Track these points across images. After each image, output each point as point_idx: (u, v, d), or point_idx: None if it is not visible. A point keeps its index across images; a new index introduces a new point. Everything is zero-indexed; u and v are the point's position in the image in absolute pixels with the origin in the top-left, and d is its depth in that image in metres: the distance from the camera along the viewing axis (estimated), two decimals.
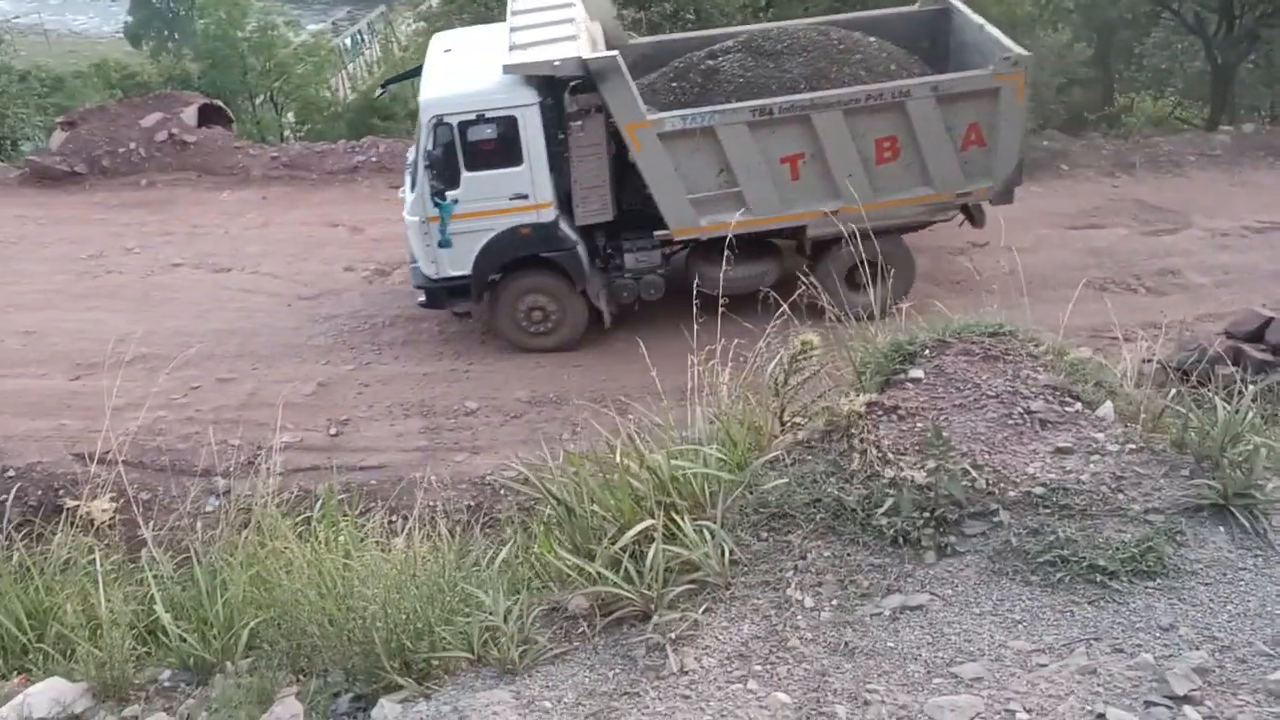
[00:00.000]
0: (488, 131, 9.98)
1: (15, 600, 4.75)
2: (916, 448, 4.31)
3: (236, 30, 20.67)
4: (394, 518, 6.77)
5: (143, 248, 13.57)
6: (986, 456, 4.25)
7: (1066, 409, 4.49)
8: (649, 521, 3.97)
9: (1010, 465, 4.22)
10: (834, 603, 3.90)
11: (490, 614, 3.80)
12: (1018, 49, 10.27)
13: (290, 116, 22.07)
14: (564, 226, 10.43)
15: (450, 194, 10.12)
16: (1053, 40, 17.50)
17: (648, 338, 10.74)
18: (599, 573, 3.92)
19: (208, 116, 16.15)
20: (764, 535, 4.18)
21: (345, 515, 5.39)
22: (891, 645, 3.70)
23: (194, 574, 4.81)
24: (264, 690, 4.13)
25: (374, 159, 14.33)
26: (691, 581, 3.92)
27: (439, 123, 9.96)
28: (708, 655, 3.73)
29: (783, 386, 4.82)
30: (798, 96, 10.09)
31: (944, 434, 4.26)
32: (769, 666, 3.67)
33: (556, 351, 11.01)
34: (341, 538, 4.72)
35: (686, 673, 3.66)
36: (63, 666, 4.46)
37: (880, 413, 4.53)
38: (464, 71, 10.45)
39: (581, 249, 10.56)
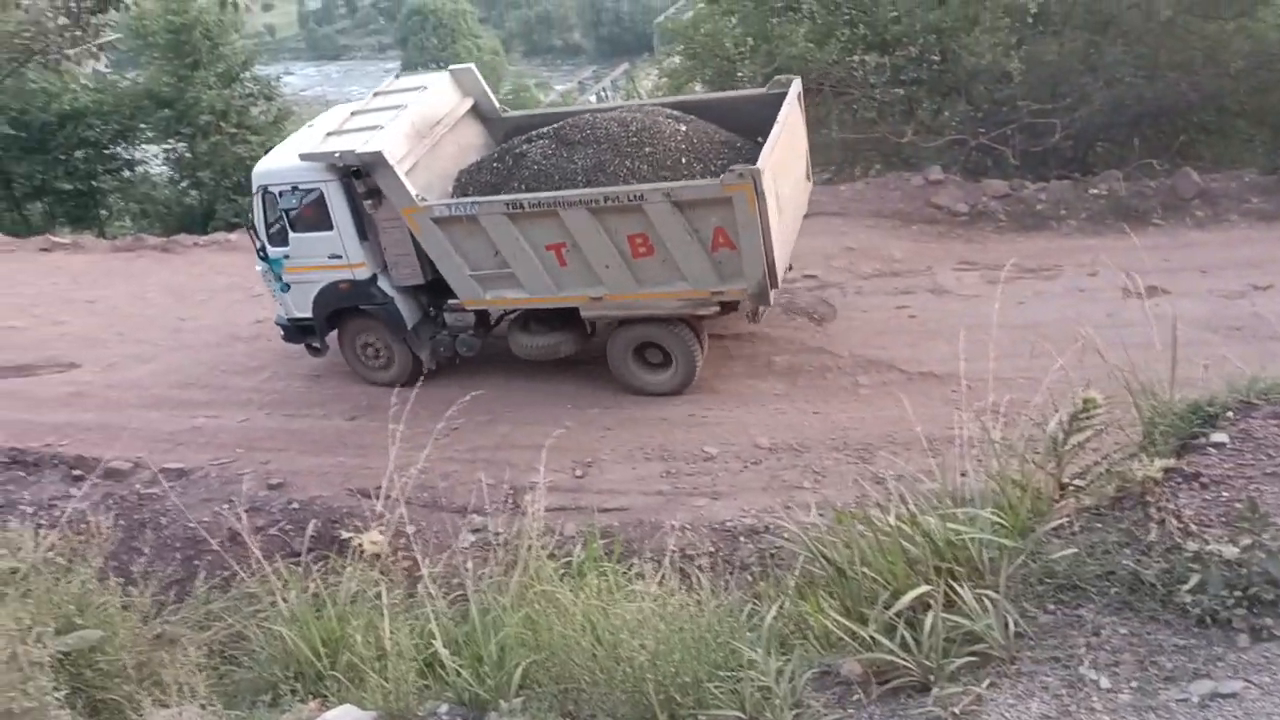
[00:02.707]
0: (302, 200, 11.42)
1: (313, 629, 5.12)
2: (1224, 520, 3.94)
3: (495, 94, 22.00)
4: (636, 559, 6.88)
5: None
6: None
7: None
8: (926, 588, 3.82)
9: None
10: (1133, 684, 3.60)
11: (761, 673, 3.76)
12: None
13: None
14: (381, 284, 11.66)
15: (281, 250, 11.67)
16: None
17: (895, 383, 10.69)
18: (873, 638, 3.79)
19: None
20: (1051, 608, 3.93)
21: (605, 561, 5.50)
22: None
23: (468, 612, 5.04)
24: None
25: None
26: (973, 653, 3.73)
27: (264, 191, 11.57)
28: None
29: (1061, 446, 4.54)
30: (545, 194, 10.53)
31: (1258, 506, 3.86)
32: None
33: (389, 386, 11.40)
34: (604, 583, 4.81)
35: None
36: (353, 694, 4.75)
37: (1179, 480, 4.17)
38: (294, 147, 11.86)
39: (399, 304, 11.68)
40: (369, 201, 11.16)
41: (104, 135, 24.20)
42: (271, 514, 10.17)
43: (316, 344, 12.42)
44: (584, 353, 11.91)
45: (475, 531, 9.51)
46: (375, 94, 12.69)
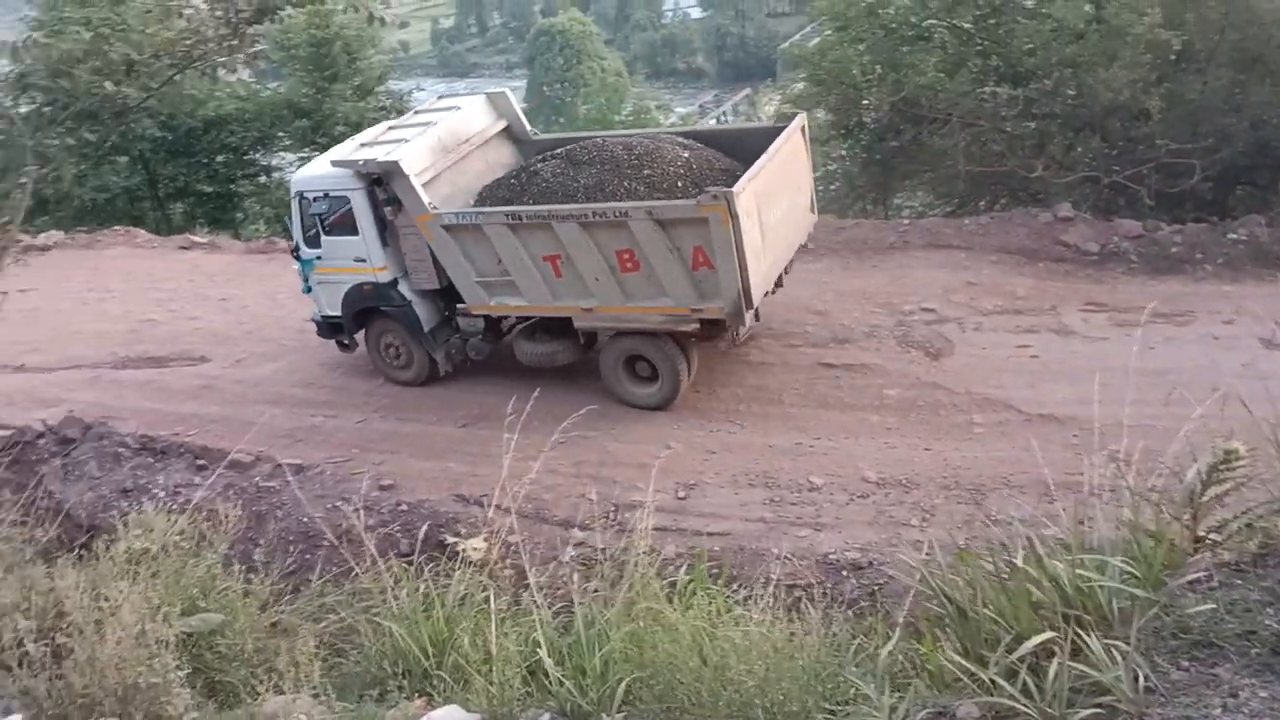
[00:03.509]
0: (332, 206, 12.20)
1: (422, 628, 5.21)
2: None
3: (615, 115, 22.31)
4: (738, 585, 6.81)
5: None
6: None
7: None
8: (1051, 634, 3.67)
9: None
10: None
11: (874, 709, 3.67)
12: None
13: None
14: (401, 287, 12.38)
15: (314, 251, 12.55)
16: None
17: (1012, 424, 10.38)
18: (993, 681, 3.66)
19: None
20: (1185, 664, 3.73)
21: (711, 584, 5.46)
22: None
23: (572, 623, 5.06)
24: None
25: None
26: (1099, 705, 3.56)
27: (301, 196, 12.45)
28: None
29: (1199, 498, 4.32)
30: (540, 207, 11.12)
31: None
32: None
33: (410, 386, 12.86)
34: (711, 606, 4.78)
35: None
36: (459, 695, 4.81)
37: None
38: (331, 157, 12.70)
39: (417, 307, 12.40)
40: (389, 208, 11.92)
41: (244, 141, 25.34)
42: (381, 514, 10.38)
43: (345, 341, 13.28)
44: (695, 378, 11.94)
45: (576, 545, 9.57)
46: (416, 112, 13.95)
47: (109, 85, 9.40)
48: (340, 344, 13.37)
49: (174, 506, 8.47)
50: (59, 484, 11.23)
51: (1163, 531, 4.36)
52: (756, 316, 11.27)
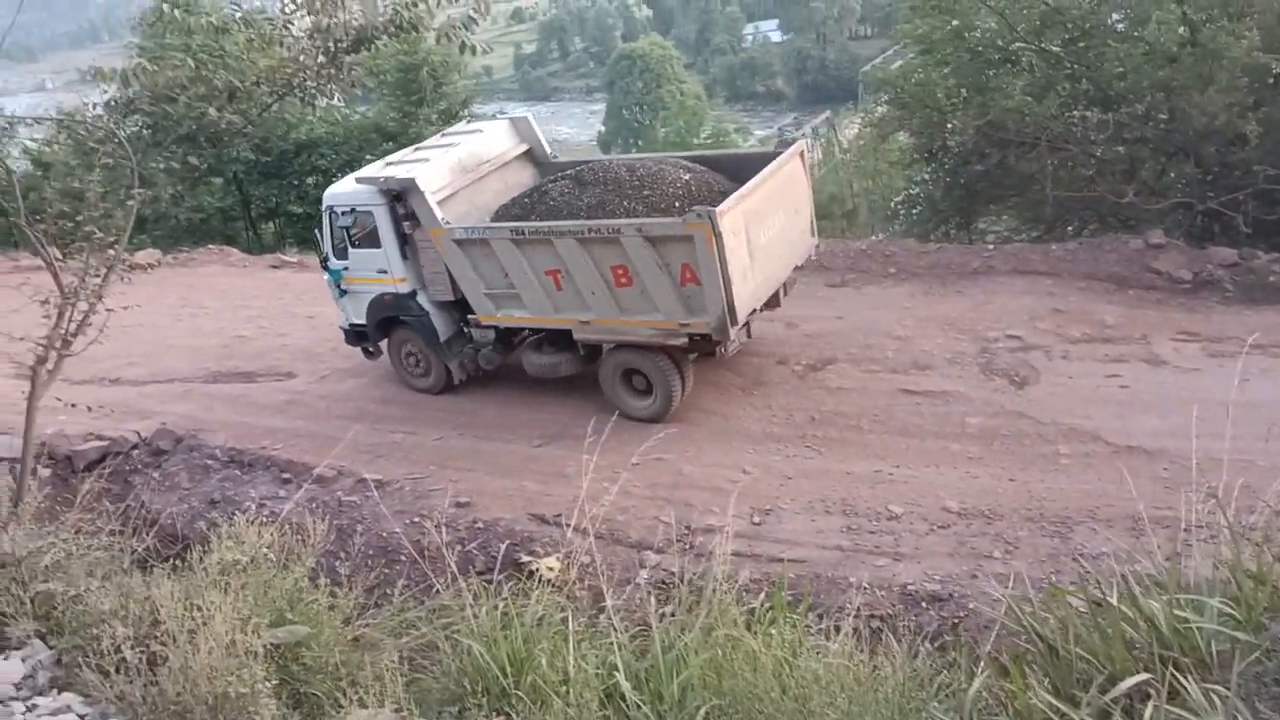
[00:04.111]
0: (358, 220, 12.94)
1: (500, 646, 5.25)
2: None
3: (693, 137, 22.43)
4: (813, 614, 6.72)
5: None
6: None
7: None
8: (1146, 675, 3.55)
9: None
10: None
11: None
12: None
13: None
14: (419, 298, 13.03)
15: (342, 263, 13.32)
16: None
17: (1099, 455, 10.10)
18: None
19: None
20: None
21: (790, 612, 5.41)
22: None
23: (649, 647, 5.05)
24: None
25: (813, 257, 14.66)
26: None
27: (330, 211, 13.20)
28: None
29: None
30: (541, 223, 11.64)
31: None
32: None
33: (426, 393, 13.58)
34: (790, 635, 4.73)
35: None
36: (536, 716, 4.83)
37: None
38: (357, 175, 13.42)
39: (434, 318, 13.04)
40: (408, 223, 12.59)
41: (333, 164, 26.03)
42: (458, 530, 10.50)
43: (370, 348, 14.02)
44: (772, 403, 11.89)
45: (650, 568, 9.54)
46: (442, 135, 14.64)
47: (212, 111, 9.98)
48: (365, 351, 14.10)
49: (260, 519, 8.72)
50: (152, 494, 11.62)
51: (1264, 572, 4.20)
52: (749, 334, 12.04)
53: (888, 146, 21.82)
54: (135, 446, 12.59)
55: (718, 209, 10.51)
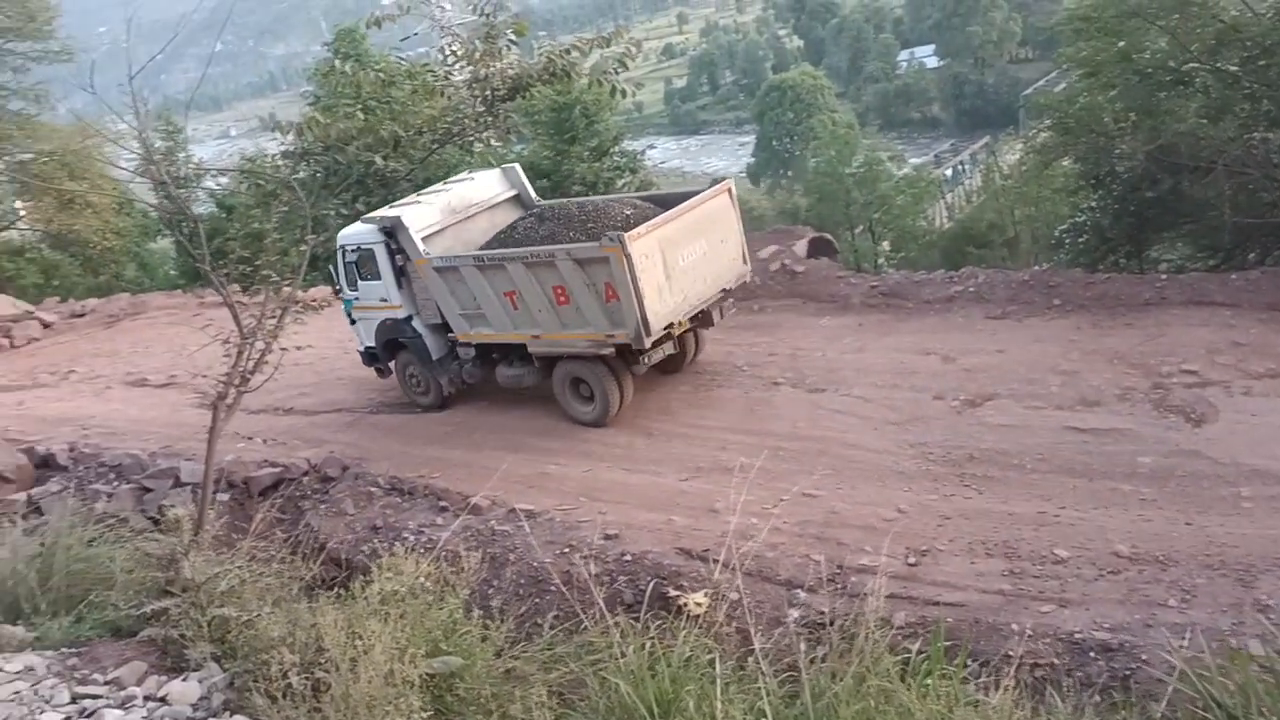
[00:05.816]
0: (362, 256, 14.93)
1: (648, 686, 5.24)
2: None
3: (844, 167, 22.17)
4: (973, 661, 6.44)
5: (749, 365, 14.91)
6: None
7: None
8: None
9: None
10: None
11: None
12: None
13: (885, 245, 23.02)
14: (414, 323, 14.91)
15: (354, 294, 15.36)
16: None
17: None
18: None
19: (817, 248, 17.49)
20: None
21: (947, 662, 5.20)
22: None
23: (800, 694, 4.94)
24: None
25: (972, 289, 14.26)
26: None
27: (342, 249, 15.12)
28: None
29: None
30: (496, 251, 13.61)
31: None
32: None
33: (429, 410, 15.43)
34: (949, 688, 4.54)
35: None
36: None
37: None
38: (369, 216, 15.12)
39: (427, 340, 14.92)
40: (399, 255, 14.44)
41: None
42: (606, 563, 10.56)
43: (381, 368, 15.93)
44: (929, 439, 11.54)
45: (800, 607, 9.36)
46: (444, 182, 16.56)
47: (379, 160, 11.52)
48: (378, 370, 16.04)
49: (417, 546, 9.01)
50: (320, 520, 12.20)
51: None
52: (698, 349, 14.80)
53: (1051, 173, 21.13)
54: (306, 473, 13.25)
55: (628, 234, 12.07)
